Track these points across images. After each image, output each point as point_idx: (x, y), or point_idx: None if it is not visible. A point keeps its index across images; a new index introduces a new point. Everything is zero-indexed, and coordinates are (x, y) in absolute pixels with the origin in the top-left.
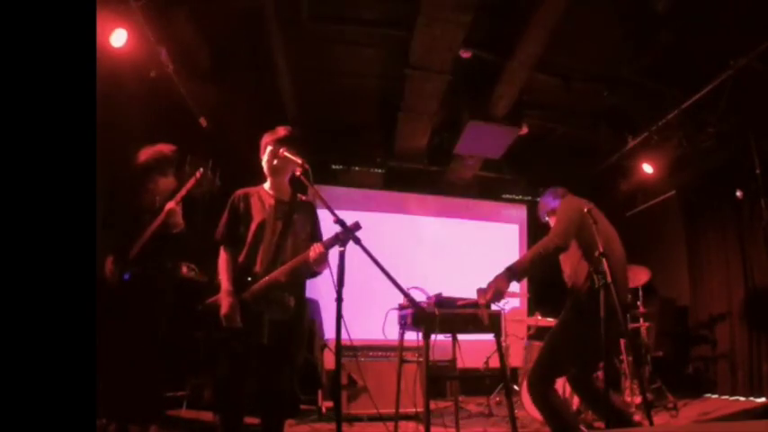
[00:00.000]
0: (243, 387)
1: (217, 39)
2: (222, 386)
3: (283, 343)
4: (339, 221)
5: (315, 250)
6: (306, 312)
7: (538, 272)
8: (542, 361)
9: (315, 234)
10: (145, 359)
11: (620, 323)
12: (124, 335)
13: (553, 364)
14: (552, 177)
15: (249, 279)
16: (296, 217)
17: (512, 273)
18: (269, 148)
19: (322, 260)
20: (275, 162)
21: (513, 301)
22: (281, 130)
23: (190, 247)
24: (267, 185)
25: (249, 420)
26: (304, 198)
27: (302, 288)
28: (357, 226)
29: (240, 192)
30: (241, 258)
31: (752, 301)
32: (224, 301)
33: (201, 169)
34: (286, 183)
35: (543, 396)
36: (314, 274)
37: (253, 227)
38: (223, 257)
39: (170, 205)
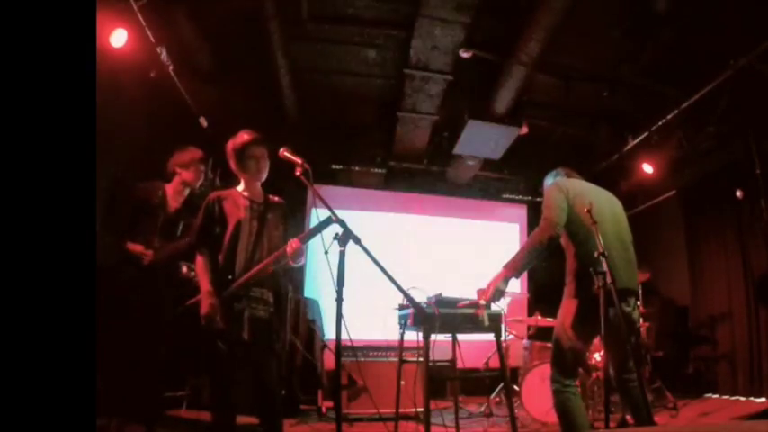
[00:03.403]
0: (232, 386)
1: (217, 39)
2: (212, 386)
3: (265, 338)
4: (339, 221)
5: (291, 245)
6: (285, 306)
7: (537, 265)
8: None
9: (286, 235)
10: (146, 358)
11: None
12: (126, 333)
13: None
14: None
15: (230, 278)
16: (269, 217)
17: (509, 270)
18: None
19: (299, 254)
20: (252, 166)
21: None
22: (246, 135)
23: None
24: (240, 187)
25: (249, 420)
26: (276, 199)
27: (279, 283)
28: (334, 218)
29: (213, 195)
30: (221, 259)
31: (752, 300)
32: (204, 301)
33: None
34: (259, 185)
35: (554, 390)
36: (288, 271)
37: (230, 227)
38: (199, 260)
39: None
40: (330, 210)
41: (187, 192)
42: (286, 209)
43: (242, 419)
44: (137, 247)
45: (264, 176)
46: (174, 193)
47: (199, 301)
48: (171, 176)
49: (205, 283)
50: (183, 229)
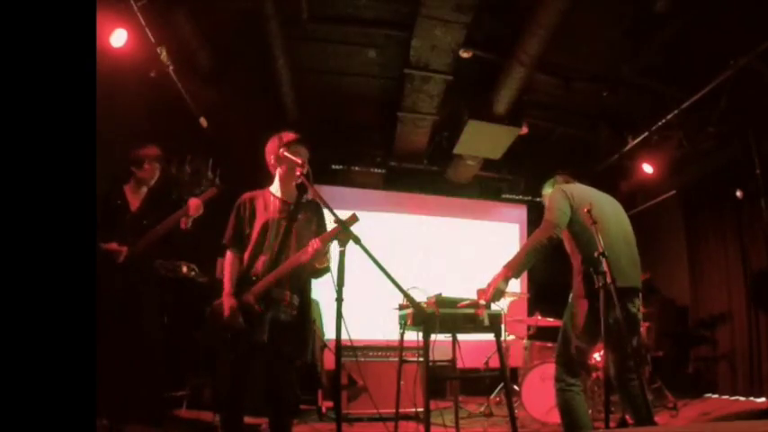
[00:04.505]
0: (243, 387)
1: (217, 39)
2: (222, 385)
3: (284, 342)
4: (339, 221)
5: (312, 246)
6: (311, 312)
7: (537, 265)
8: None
9: (321, 232)
10: (141, 358)
11: (619, 323)
12: (119, 334)
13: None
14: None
15: (254, 279)
16: (301, 216)
17: (509, 270)
18: (280, 150)
19: (319, 256)
20: (287, 164)
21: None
22: (289, 135)
23: (185, 248)
24: (273, 187)
25: (253, 420)
26: (309, 198)
27: (307, 287)
28: (354, 218)
29: (246, 195)
30: (245, 259)
31: (752, 300)
32: (225, 303)
33: (217, 187)
34: (293, 185)
35: (558, 389)
36: (318, 273)
37: (256, 228)
38: (228, 258)
39: (196, 201)
40: (330, 210)
41: (144, 190)
42: (319, 206)
43: (254, 420)
44: (110, 245)
45: (294, 179)
46: (131, 193)
47: (221, 302)
48: (128, 176)
49: (227, 284)
50: (149, 227)
